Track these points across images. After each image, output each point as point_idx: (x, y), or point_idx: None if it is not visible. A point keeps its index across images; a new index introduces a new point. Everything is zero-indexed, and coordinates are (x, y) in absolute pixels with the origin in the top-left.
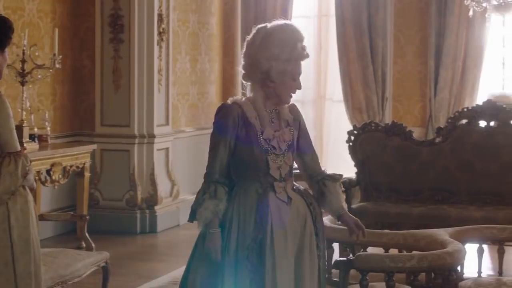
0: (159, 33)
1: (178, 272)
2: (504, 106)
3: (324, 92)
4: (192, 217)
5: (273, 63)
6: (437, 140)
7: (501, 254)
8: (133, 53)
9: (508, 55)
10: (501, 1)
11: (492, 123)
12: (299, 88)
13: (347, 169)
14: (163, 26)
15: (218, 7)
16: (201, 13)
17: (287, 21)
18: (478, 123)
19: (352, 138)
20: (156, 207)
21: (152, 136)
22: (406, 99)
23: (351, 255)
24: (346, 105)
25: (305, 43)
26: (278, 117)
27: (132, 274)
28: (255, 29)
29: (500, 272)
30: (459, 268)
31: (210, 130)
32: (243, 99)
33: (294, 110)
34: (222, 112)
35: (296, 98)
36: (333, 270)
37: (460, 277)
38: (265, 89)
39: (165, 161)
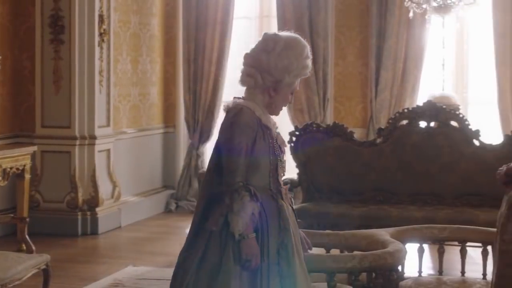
0: (100, 34)
1: (120, 274)
2: (444, 107)
3: None
4: (218, 222)
5: (286, 75)
6: (378, 141)
7: (441, 253)
8: (74, 54)
9: (448, 56)
10: (440, 2)
11: (432, 124)
12: (291, 102)
13: (289, 170)
14: (104, 27)
15: (160, 8)
16: (142, 14)
17: (296, 35)
18: (418, 124)
19: (294, 139)
20: (97, 209)
21: (93, 137)
22: (347, 100)
23: None
24: (288, 106)
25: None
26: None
27: (73, 277)
28: (274, 37)
29: (440, 272)
30: (400, 267)
31: (152, 131)
32: (250, 103)
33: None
34: (240, 114)
35: None
36: None
37: (400, 276)
38: (266, 96)
39: (106, 162)
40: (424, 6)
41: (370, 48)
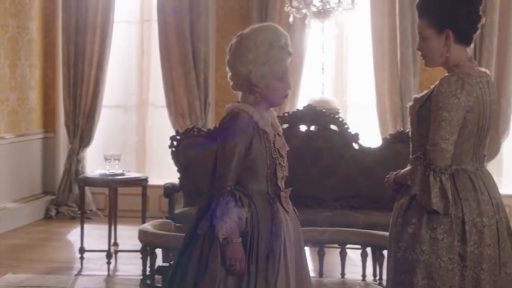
0: None
1: None
2: (324, 110)
3: (146, 97)
4: (204, 226)
5: (251, 68)
6: None
7: (321, 256)
8: None
9: (327, 61)
10: (320, 8)
11: (312, 128)
12: (289, 87)
13: (170, 174)
14: None
15: (38, 12)
16: (21, 17)
17: (265, 23)
18: (299, 128)
19: (175, 143)
20: None
21: None
22: None
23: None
24: (169, 110)
25: (281, 41)
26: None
27: None
28: (237, 36)
29: (320, 274)
30: None
31: (31, 137)
32: (247, 106)
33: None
34: (236, 119)
35: (118, 103)
36: (156, 276)
37: None
38: (253, 95)
39: None
40: (303, 11)
41: None
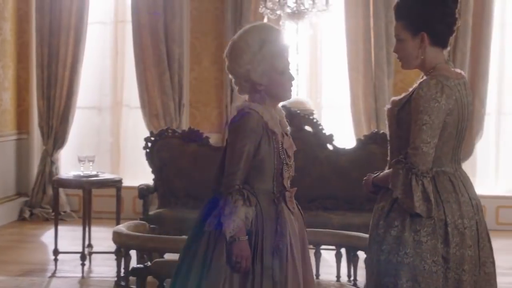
0: None
1: None
2: (298, 112)
3: (121, 98)
4: (217, 225)
5: (249, 67)
6: None
7: None
8: None
9: (301, 62)
10: (294, 9)
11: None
12: (292, 79)
13: (145, 175)
14: None
15: (12, 13)
16: None
17: (255, 23)
18: None
19: (149, 144)
20: None
21: None
22: (203, 105)
23: (148, 262)
24: (143, 111)
25: (273, 36)
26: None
27: None
28: (231, 40)
29: None
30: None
31: (4, 138)
32: (257, 105)
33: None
34: (246, 118)
35: (93, 104)
36: (131, 278)
37: None
38: (259, 94)
39: None
40: (278, 12)
41: None
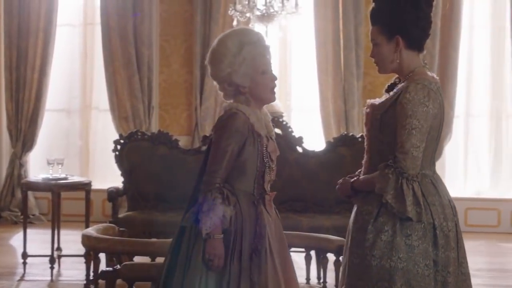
0: None
1: None
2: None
3: (90, 101)
4: (194, 221)
5: (230, 70)
6: (203, 148)
7: None
8: None
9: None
10: (263, 11)
11: None
12: (274, 79)
13: (114, 178)
14: None
15: None
16: None
17: (237, 27)
18: None
19: (119, 147)
20: None
21: None
22: (172, 108)
23: (117, 265)
24: (113, 114)
25: (252, 38)
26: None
27: None
28: (212, 46)
29: None
30: None
31: None
32: (245, 107)
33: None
34: (233, 118)
35: (62, 106)
36: (100, 281)
37: None
38: (245, 95)
39: None
40: (247, 15)
41: (194, 56)
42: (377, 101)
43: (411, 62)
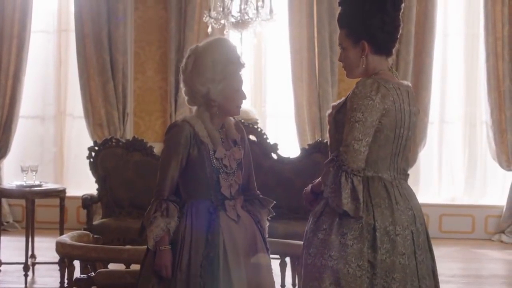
0: None
1: None
2: (243, 121)
3: (64, 107)
4: (142, 233)
5: (210, 86)
6: None
7: None
8: None
9: (245, 71)
10: (238, 18)
11: None
12: (244, 98)
13: (89, 185)
14: None
15: None
16: None
17: (217, 37)
18: None
19: (93, 154)
20: None
21: None
22: (147, 114)
23: (92, 272)
24: (87, 121)
25: (236, 56)
26: (226, 136)
27: None
28: (187, 53)
29: None
30: None
31: None
32: (194, 118)
33: (239, 128)
34: (174, 131)
35: (36, 113)
36: None
37: None
38: (210, 109)
39: None
40: (222, 21)
41: (169, 62)
42: (337, 102)
43: (377, 66)
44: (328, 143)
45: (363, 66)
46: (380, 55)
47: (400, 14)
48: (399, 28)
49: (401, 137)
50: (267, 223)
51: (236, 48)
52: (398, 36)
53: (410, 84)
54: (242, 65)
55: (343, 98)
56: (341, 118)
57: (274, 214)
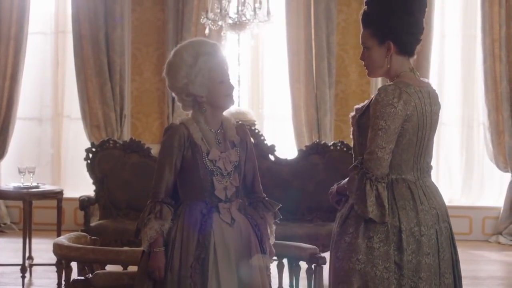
0: None
1: None
2: (240, 122)
3: (62, 109)
4: (138, 235)
5: (186, 81)
6: None
7: None
8: None
9: (243, 72)
10: (236, 20)
11: None
12: (232, 88)
13: (86, 187)
14: None
15: None
16: None
17: (193, 39)
18: None
19: (90, 155)
20: None
21: None
22: (144, 116)
23: (89, 274)
24: (84, 122)
25: (207, 49)
26: (224, 138)
27: None
28: (169, 57)
29: None
30: None
31: None
32: (189, 120)
33: (241, 130)
34: (169, 133)
35: (33, 115)
36: None
37: None
38: (201, 108)
39: None
40: (219, 23)
41: None
42: (360, 105)
43: (400, 66)
44: (353, 143)
45: (388, 66)
46: (403, 56)
47: (424, 16)
48: (423, 30)
49: (423, 139)
50: (274, 227)
51: (215, 44)
52: (421, 38)
53: (430, 83)
54: (221, 57)
55: (366, 101)
56: (364, 122)
57: (281, 217)
